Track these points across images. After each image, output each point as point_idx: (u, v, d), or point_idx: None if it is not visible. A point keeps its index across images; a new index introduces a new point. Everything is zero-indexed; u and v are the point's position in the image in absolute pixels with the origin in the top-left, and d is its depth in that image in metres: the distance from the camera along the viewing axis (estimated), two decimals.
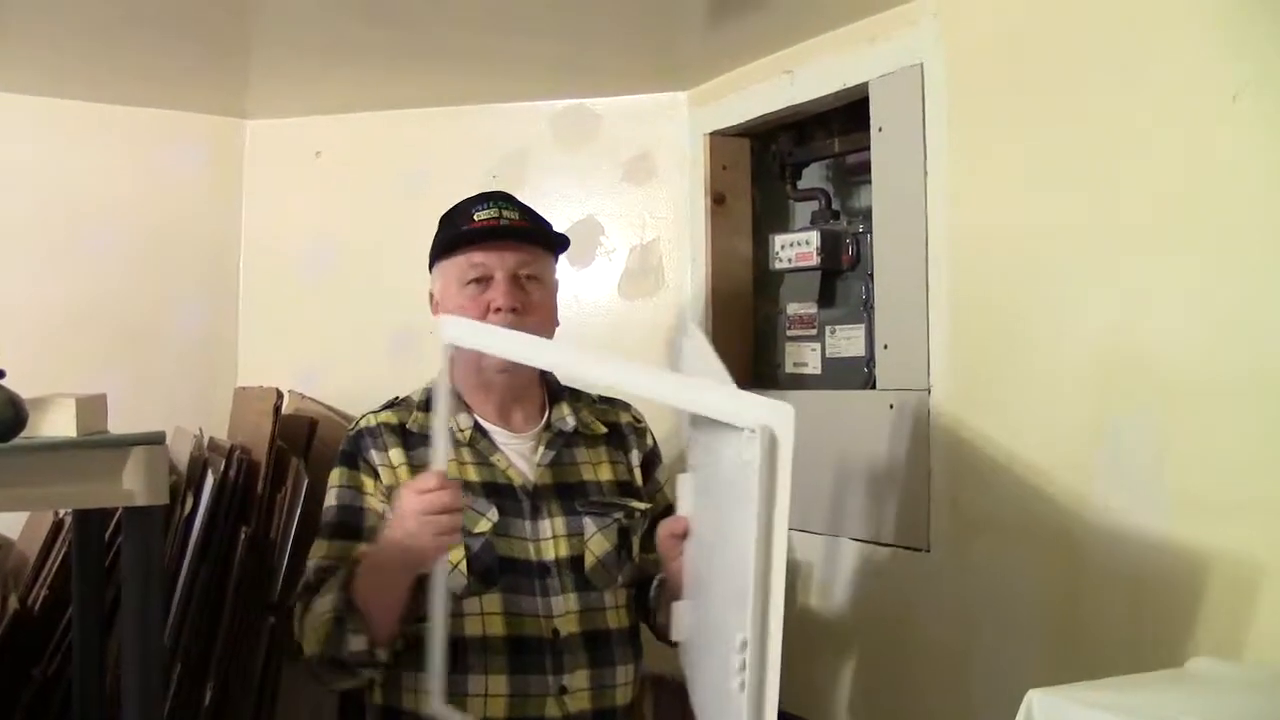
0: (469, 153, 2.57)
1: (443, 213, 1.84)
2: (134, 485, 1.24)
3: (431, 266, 1.81)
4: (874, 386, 2.01)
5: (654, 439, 1.92)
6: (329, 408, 2.45)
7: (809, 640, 2.11)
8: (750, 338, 2.48)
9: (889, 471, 1.93)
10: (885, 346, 1.96)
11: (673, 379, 1.43)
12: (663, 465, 1.92)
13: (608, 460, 1.82)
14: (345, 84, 2.46)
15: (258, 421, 2.14)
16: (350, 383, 2.56)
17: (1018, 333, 1.72)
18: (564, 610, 1.68)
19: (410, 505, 1.50)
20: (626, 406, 1.91)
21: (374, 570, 1.57)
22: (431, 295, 1.81)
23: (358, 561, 1.62)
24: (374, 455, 1.72)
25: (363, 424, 1.77)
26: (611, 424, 1.86)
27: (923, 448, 1.87)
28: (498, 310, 1.71)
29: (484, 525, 1.67)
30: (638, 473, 1.86)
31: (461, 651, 1.63)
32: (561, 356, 1.65)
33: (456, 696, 1.58)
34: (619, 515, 1.77)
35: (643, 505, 1.81)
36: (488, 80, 2.43)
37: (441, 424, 1.52)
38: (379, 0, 1.92)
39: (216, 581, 2.10)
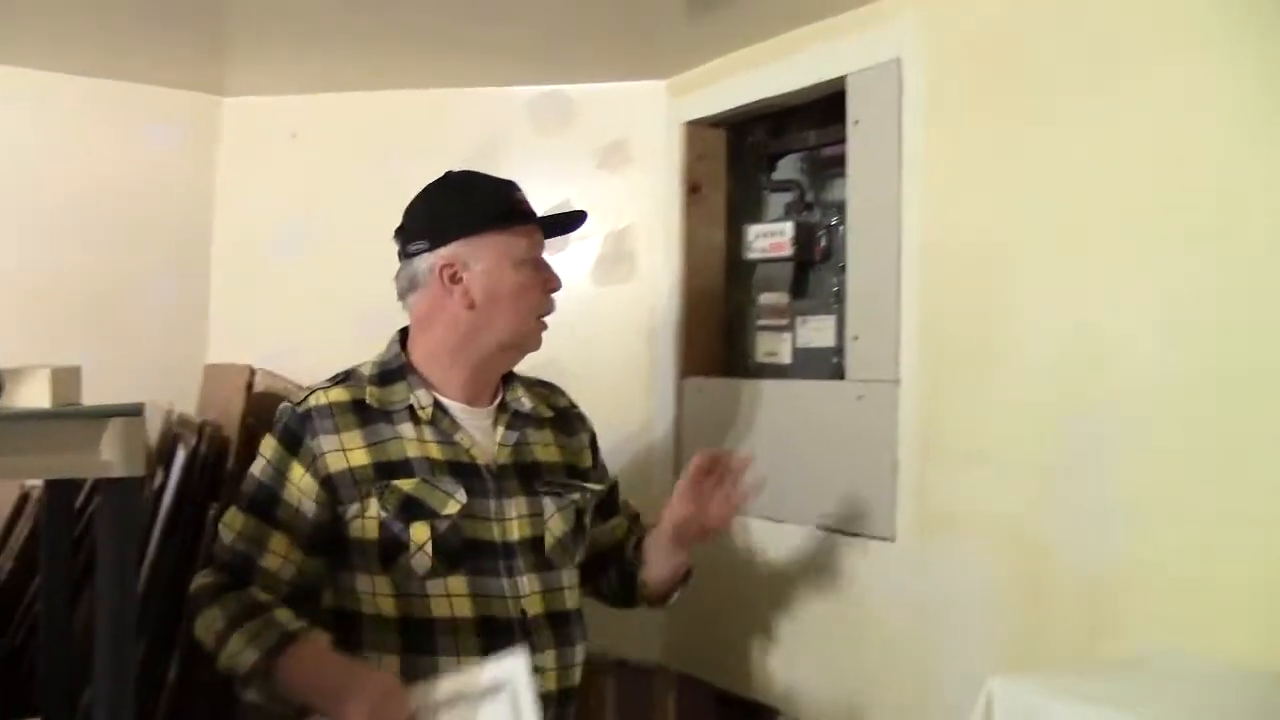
0: (445, 136, 2.57)
1: (441, 182, 1.82)
2: (112, 456, 1.23)
3: (451, 237, 1.74)
4: (843, 377, 2.03)
5: (589, 421, 1.96)
6: (298, 386, 2.45)
7: (772, 626, 2.15)
8: (721, 327, 2.50)
9: (857, 462, 1.96)
10: (855, 338, 1.99)
11: None
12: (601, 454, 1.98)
13: (555, 443, 1.85)
14: (323, 64, 2.45)
15: (229, 398, 2.14)
16: (318, 362, 2.51)
17: (985, 328, 1.75)
18: (529, 590, 1.71)
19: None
20: (561, 390, 1.95)
21: (306, 673, 1.57)
22: (445, 265, 1.73)
23: (294, 636, 1.58)
24: (322, 440, 1.68)
25: (312, 401, 1.72)
26: (556, 408, 1.89)
27: (890, 439, 1.90)
28: (553, 291, 1.79)
29: (452, 507, 1.68)
30: (586, 454, 1.91)
31: (430, 633, 1.65)
32: None
33: (427, 677, 1.59)
34: (575, 496, 1.82)
35: (596, 486, 1.88)
36: (465, 64, 2.43)
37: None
38: None
39: (184, 556, 2.10)
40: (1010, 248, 1.72)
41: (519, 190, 1.81)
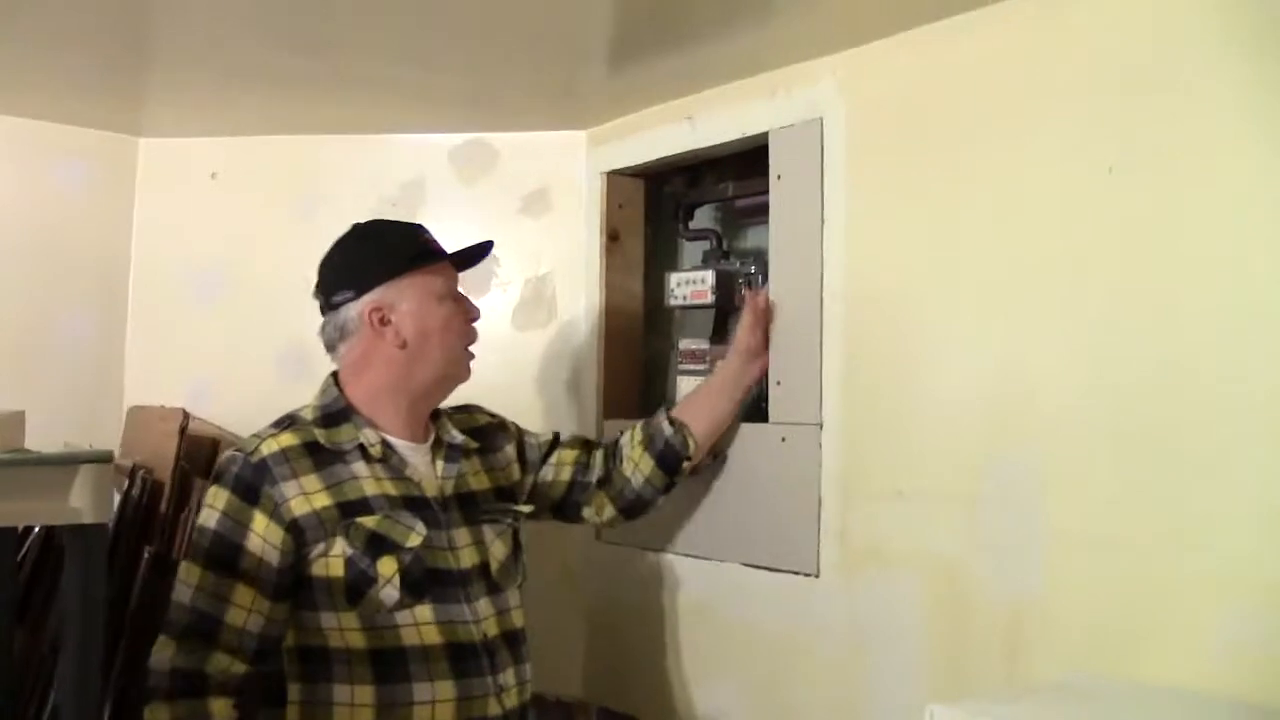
0: (367, 180, 2.60)
1: (353, 234, 1.90)
2: (82, 503, 1.25)
3: (375, 283, 1.82)
4: (766, 419, 2.12)
5: (509, 421, 2.06)
6: (218, 428, 2.44)
7: (693, 660, 2.21)
8: (639, 370, 2.57)
9: (781, 501, 2.04)
10: (779, 383, 2.07)
11: None
12: (528, 431, 2.09)
13: (484, 469, 1.94)
14: (245, 106, 2.46)
15: (160, 441, 2.13)
16: (238, 403, 2.55)
17: (908, 372, 1.85)
18: (486, 614, 1.80)
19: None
20: (478, 407, 2.04)
21: None
22: (374, 310, 1.82)
23: None
24: (283, 487, 1.71)
25: (265, 450, 1.74)
26: (479, 429, 1.98)
27: (813, 478, 1.98)
28: (473, 320, 1.91)
29: (415, 539, 1.75)
30: (514, 466, 2.00)
31: (402, 662, 1.70)
32: None
33: (403, 705, 1.67)
34: (509, 521, 1.92)
35: (525, 509, 1.97)
36: (389, 110, 2.46)
37: None
38: (284, 24, 1.93)
39: (119, 599, 2.08)
40: (929, 296, 1.83)
41: (426, 231, 1.92)
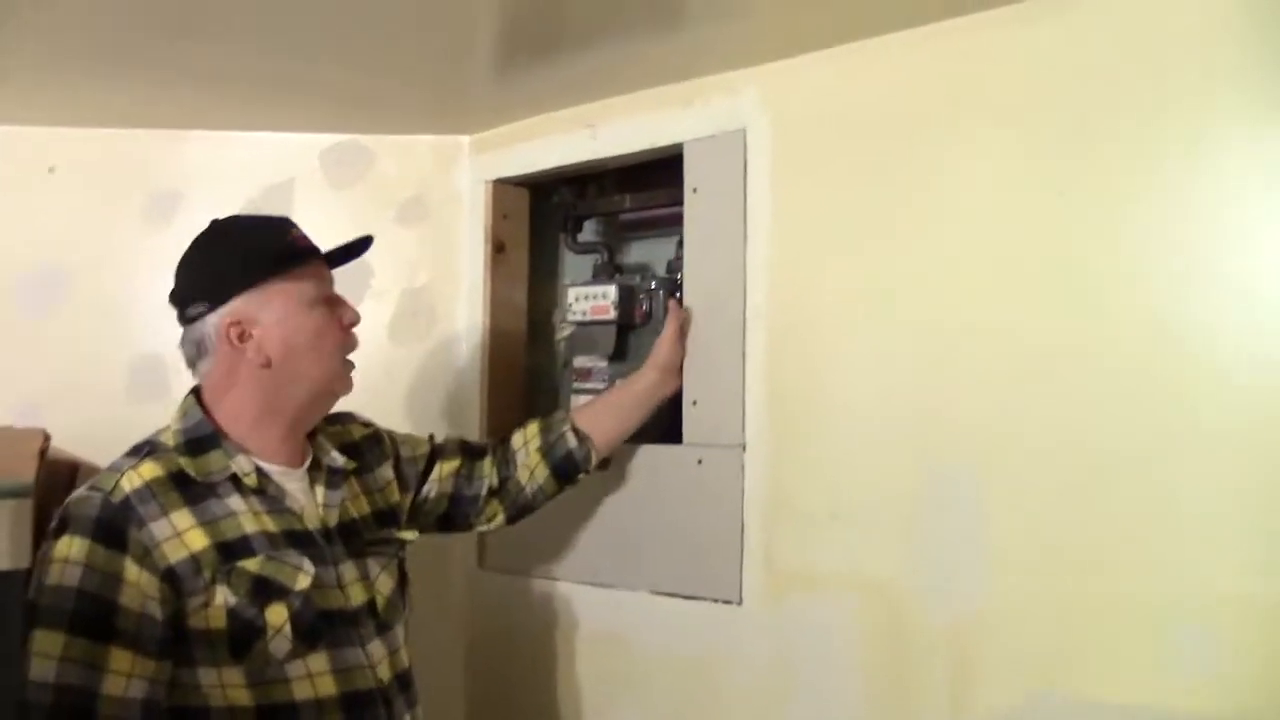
0: (229, 180, 2.38)
1: (209, 234, 1.69)
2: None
3: (232, 293, 1.61)
4: (676, 441, 2.04)
5: (384, 432, 1.90)
6: (63, 453, 2.18)
7: (604, 697, 2.10)
8: (524, 388, 2.45)
9: (697, 525, 1.96)
10: (695, 403, 2.00)
11: None
12: (403, 441, 1.92)
13: (363, 493, 1.77)
14: (89, 93, 2.20)
15: (14, 465, 1.87)
16: (79, 424, 2.27)
17: (838, 391, 1.81)
18: (380, 657, 1.63)
19: None
20: (353, 416, 1.87)
21: None
22: (231, 324, 1.60)
23: None
24: (152, 528, 1.47)
25: (126, 485, 1.49)
26: (352, 448, 1.79)
27: (735, 502, 1.91)
28: (351, 325, 1.70)
29: (304, 581, 1.56)
30: (393, 487, 1.84)
31: (294, 718, 1.52)
32: None
33: None
34: (392, 550, 1.75)
35: (409, 535, 1.81)
36: (256, 106, 2.26)
37: None
38: (145, 7, 1.73)
39: None
40: (859, 315, 1.79)
41: (295, 226, 1.70)
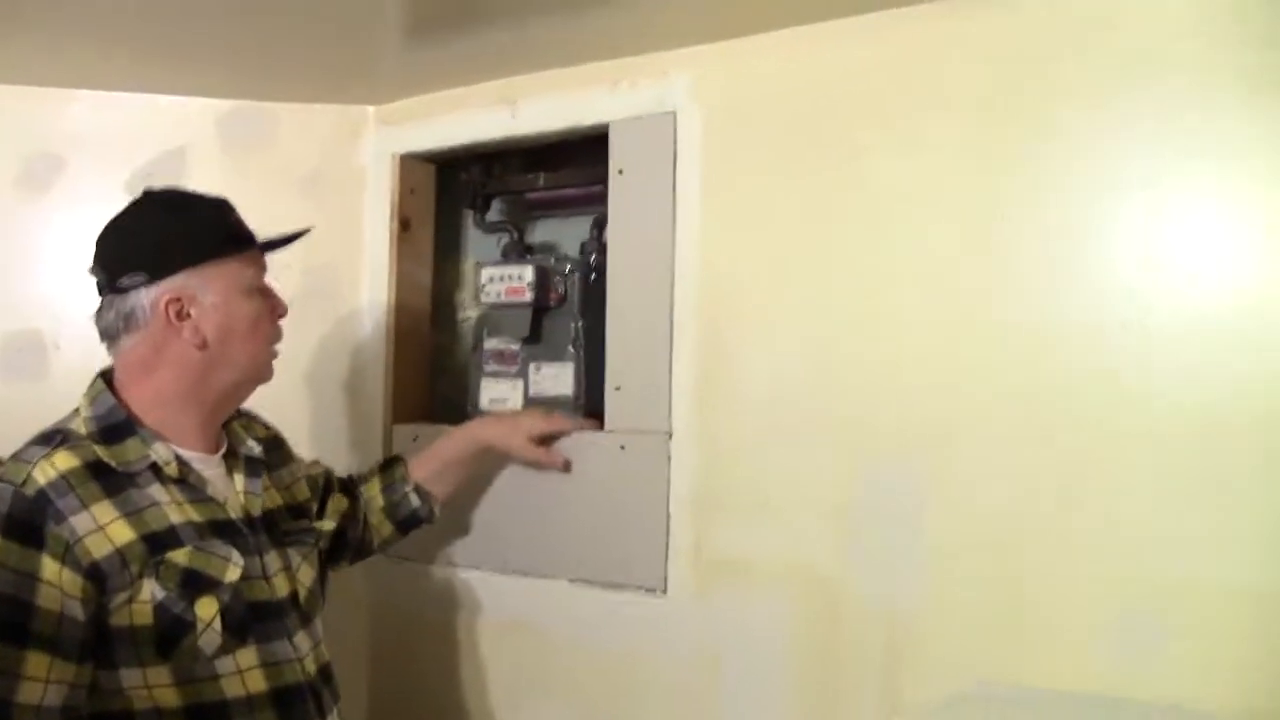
0: (115, 144, 2.23)
1: (149, 201, 1.61)
2: None
3: (175, 267, 1.53)
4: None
5: (283, 438, 1.84)
6: None
7: (520, 689, 2.06)
8: (429, 370, 2.38)
9: (618, 513, 1.93)
10: (617, 388, 1.96)
11: None
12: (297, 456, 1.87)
13: (274, 485, 1.71)
14: None
15: None
16: None
17: (771, 380, 1.79)
18: (305, 649, 1.58)
19: None
20: (255, 416, 1.80)
21: None
22: (171, 300, 1.53)
23: None
24: (72, 522, 1.37)
25: (39, 476, 1.39)
26: (263, 441, 1.73)
27: (660, 490, 1.89)
28: (282, 317, 1.67)
29: (233, 572, 1.49)
30: (302, 486, 1.79)
31: (224, 716, 1.45)
32: None
33: None
34: (312, 540, 1.71)
35: (327, 526, 1.79)
36: (148, 66, 2.11)
37: None
38: None
39: None
40: (793, 303, 1.78)
41: (235, 210, 1.64)
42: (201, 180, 2.19)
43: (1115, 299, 1.51)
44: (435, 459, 1.97)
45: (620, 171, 1.98)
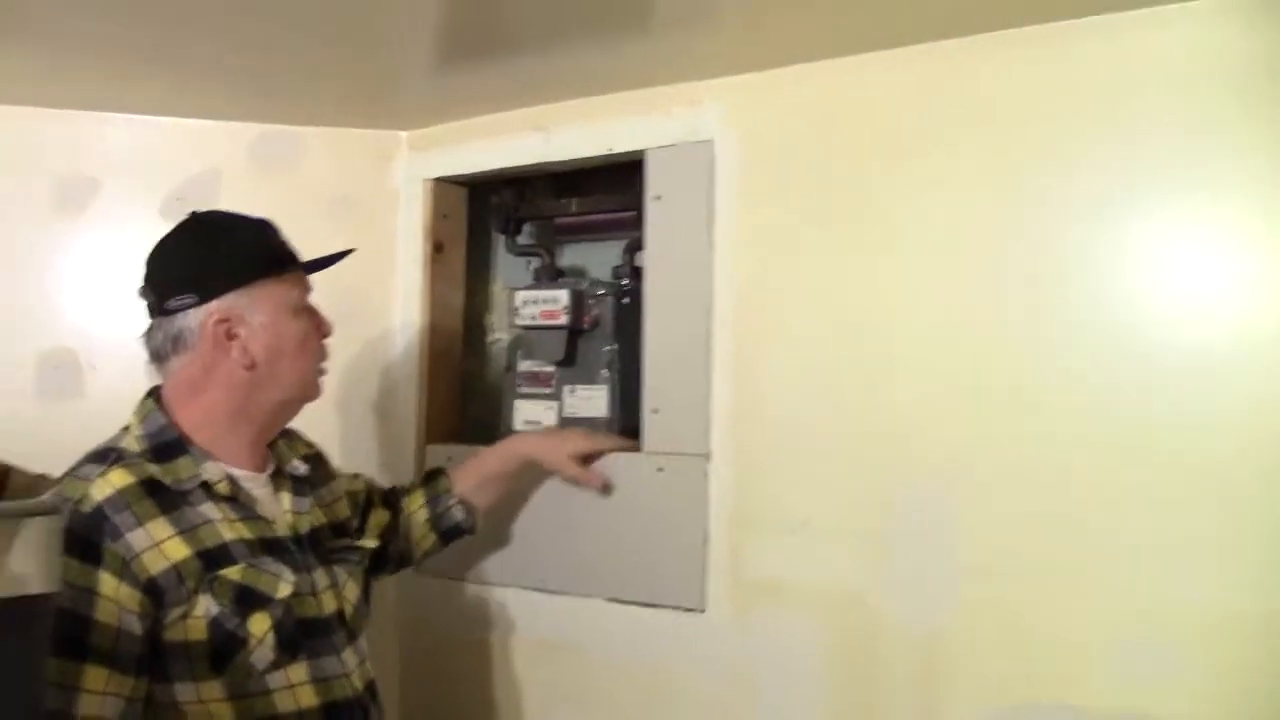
0: (149, 167, 2.26)
1: (195, 224, 1.65)
2: (26, 569, 0.98)
3: (223, 288, 1.57)
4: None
5: (325, 455, 1.88)
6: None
7: (556, 706, 2.08)
8: (461, 391, 2.41)
9: (658, 533, 1.96)
10: (656, 410, 1.99)
11: None
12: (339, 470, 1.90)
13: (318, 505, 1.74)
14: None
15: None
16: None
17: (807, 403, 1.83)
18: (353, 665, 1.61)
19: None
20: (296, 434, 1.83)
21: None
22: (220, 320, 1.57)
23: None
24: (129, 538, 1.41)
25: (96, 494, 1.43)
26: (307, 459, 1.77)
27: (699, 511, 1.92)
28: (328, 336, 1.71)
29: (285, 589, 1.53)
30: (344, 504, 1.82)
31: None
32: None
33: None
34: (356, 559, 1.73)
35: (370, 544, 1.80)
36: (181, 91, 2.14)
37: None
38: None
39: None
40: (828, 328, 1.82)
41: (278, 230, 1.68)
42: (234, 203, 2.22)
43: (1140, 326, 1.56)
44: (476, 472, 1.99)
45: (658, 198, 2.01)
